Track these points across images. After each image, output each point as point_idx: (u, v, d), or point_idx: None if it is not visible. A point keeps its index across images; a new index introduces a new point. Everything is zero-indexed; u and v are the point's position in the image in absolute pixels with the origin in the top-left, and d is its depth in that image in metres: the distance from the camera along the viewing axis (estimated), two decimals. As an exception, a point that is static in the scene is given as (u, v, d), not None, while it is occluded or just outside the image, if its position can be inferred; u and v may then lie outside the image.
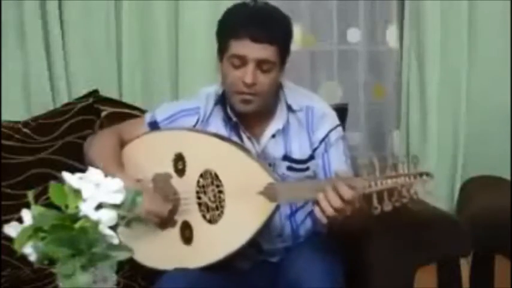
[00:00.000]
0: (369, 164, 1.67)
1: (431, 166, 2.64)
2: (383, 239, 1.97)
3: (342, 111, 2.30)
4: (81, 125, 2.37)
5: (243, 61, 1.84)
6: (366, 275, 1.99)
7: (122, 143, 2.02)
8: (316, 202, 1.70)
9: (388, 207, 1.65)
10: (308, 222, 1.99)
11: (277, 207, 1.82)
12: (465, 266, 2.07)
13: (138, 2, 2.60)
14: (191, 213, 1.89)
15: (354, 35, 2.78)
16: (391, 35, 2.78)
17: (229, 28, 1.88)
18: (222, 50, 1.89)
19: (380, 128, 2.83)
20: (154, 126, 2.03)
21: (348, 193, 1.65)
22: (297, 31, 2.71)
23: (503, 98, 2.67)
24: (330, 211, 1.67)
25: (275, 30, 1.85)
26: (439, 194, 2.65)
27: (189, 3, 2.60)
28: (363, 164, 1.69)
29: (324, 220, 1.69)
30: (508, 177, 2.62)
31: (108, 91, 2.53)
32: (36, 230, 1.22)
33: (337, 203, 1.65)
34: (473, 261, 2.16)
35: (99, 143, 2.02)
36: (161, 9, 2.60)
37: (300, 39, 2.73)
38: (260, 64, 1.84)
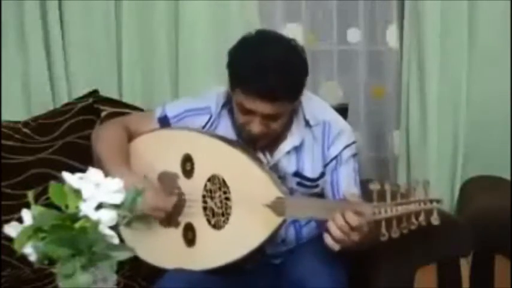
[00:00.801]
0: (380, 188, 1.67)
1: (431, 166, 2.65)
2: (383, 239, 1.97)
3: (342, 111, 2.30)
4: (81, 125, 2.37)
5: (250, 111, 1.81)
6: (366, 275, 1.99)
7: (130, 136, 2.00)
8: (326, 229, 1.70)
9: (395, 234, 1.65)
10: (311, 225, 1.98)
11: (284, 222, 1.81)
12: (465, 266, 2.07)
13: (138, 2, 2.60)
14: (195, 216, 1.89)
15: (354, 35, 2.78)
16: (391, 35, 2.78)
17: (238, 75, 1.81)
18: (231, 83, 1.84)
19: (380, 128, 2.83)
20: (164, 121, 2.00)
21: (354, 221, 1.65)
22: (297, 31, 2.71)
23: (503, 98, 2.67)
24: (339, 236, 1.67)
25: (285, 86, 1.77)
26: (439, 194, 2.65)
27: (189, 3, 2.59)
28: (374, 189, 1.67)
29: (336, 247, 1.68)
30: (508, 177, 2.62)
31: (108, 91, 2.53)
32: (36, 230, 1.22)
33: (346, 229, 1.66)
34: (473, 261, 2.16)
35: (107, 136, 1.97)
36: (161, 9, 2.60)
37: (300, 39, 2.72)
38: (269, 116, 1.80)
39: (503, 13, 2.63)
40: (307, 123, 1.92)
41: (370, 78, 2.79)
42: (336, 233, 1.66)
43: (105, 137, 1.98)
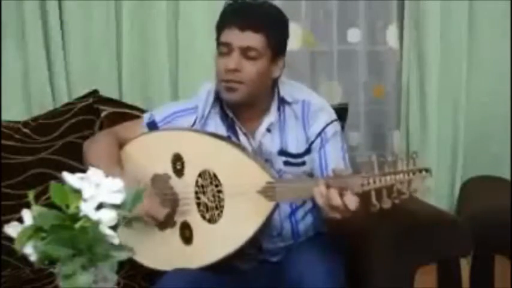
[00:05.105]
0: (368, 161, 1.67)
1: (431, 166, 2.64)
2: (383, 239, 1.97)
3: (342, 111, 2.30)
4: (81, 125, 2.37)
5: (229, 49, 1.87)
6: (366, 275, 1.99)
7: (120, 144, 2.02)
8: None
9: (387, 204, 1.64)
10: (308, 221, 1.99)
11: (276, 206, 1.83)
12: (465, 266, 2.07)
13: (138, 2, 2.60)
14: (190, 213, 1.89)
15: (354, 35, 2.78)
16: (391, 35, 2.78)
17: (221, 19, 1.93)
18: (218, 33, 1.93)
19: (380, 128, 2.83)
20: (152, 126, 2.03)
21: (352, 203, 1.64)
22: (297, 31, 2.71)
23: (503, 98, 2.67)
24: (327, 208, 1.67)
25: (263, 20, 1.88)
26: (439, 194, 2.65)
27: (189, 3, 2.60)
28: (361, 162, 1.68)
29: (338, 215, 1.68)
30: (508, 177, 2.62)
31: (108, 91, 2.53)
32: (36, 230, 1.22)
33: (342, 208, 1.65)
34: (473, 261, 2.17)
35: (97, 145, 2.01)
36: (161, 9, 2.60)
37: (300, 39, 2.73)
38: (245, 52, 1.86)
39: (504, 13, 2.64)
40: (282, 100, 1.96)
41: (370, 78, 2.79)
42: (321, 202, 1.67)
43: (95, 147, 2.00)
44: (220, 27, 1.92)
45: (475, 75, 2.69)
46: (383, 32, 2.79)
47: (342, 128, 2.10)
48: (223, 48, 1.88)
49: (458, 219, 2.22)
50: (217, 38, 1.92)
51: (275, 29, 1.91)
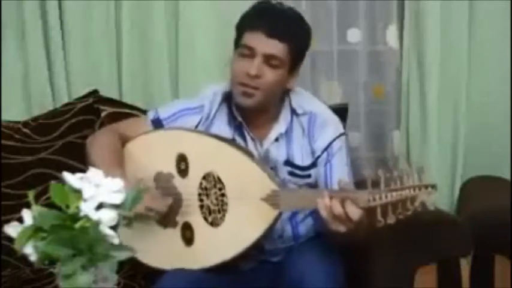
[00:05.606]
0: (374, 176, 1.66)
1: (431, 166, 2.64)
2: (383, 239, 1.97)
3: (342, 111, 2.30)
4: (81, 125, 2.37)
5: (251, 53, 1.86)
6: (366, 275, 1.99)
7: (124, 141, 2.01)
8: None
9: (391, 220, 1.64)
10: (308, 223, 1.99)
11: (280, 215, 1.82)
12: (465, 266, 2.07)
13: (138, 2, 2.60)
14: (193, 214, 1.89)
15: (354, 35, 2.77)
16: (391, 35, 2.77)
17: (247, 20, 1.91)
18: (237, 42, 1.91)
19: (380, 128, 2.82)
20: (157, 123, 2.02)
21: (355, 214, 1.64)
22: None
23: (503, 98, 2.67)
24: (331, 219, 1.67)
25: (289, 30, 1.87)
26: (439, 194, 2.65)
27: (189, 3, 2.60)
28: (368, 176, 1.68)
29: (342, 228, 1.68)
30: (508, 177, 2.62)
31: (108, 91, 2.53)
32: (36, 230, 1.22)
33: (343, 218, 1.65)
34: (473, 261, 2.16)
35: (100, 142, 2.00)
36: (161, 9, 2.60)
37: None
38: (268, 59, 1.85)
39: (504, 14, 2.64)
40: (293, 112, 1.96)
41: (370, 78, 2.79)
42: (325, 214, 1.67)
43: (98, 143, 1.99)
44: (243, 28, 1.90)
45: (475, 75, 2.68)
46: (383, 32, 2.78)
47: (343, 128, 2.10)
48: (245, 51, 1.87)
49: (458, 219, 2.22)
50: (238, 39, 1.91)
51: (299, 40, 1.91)
